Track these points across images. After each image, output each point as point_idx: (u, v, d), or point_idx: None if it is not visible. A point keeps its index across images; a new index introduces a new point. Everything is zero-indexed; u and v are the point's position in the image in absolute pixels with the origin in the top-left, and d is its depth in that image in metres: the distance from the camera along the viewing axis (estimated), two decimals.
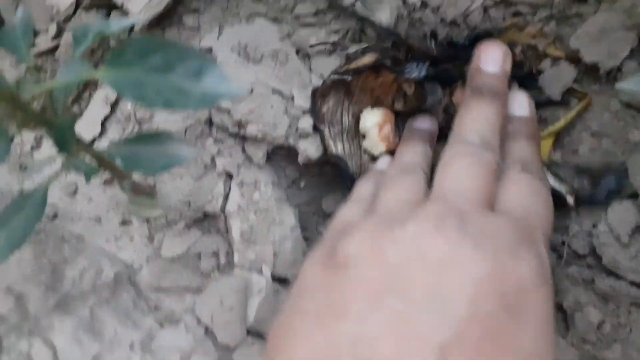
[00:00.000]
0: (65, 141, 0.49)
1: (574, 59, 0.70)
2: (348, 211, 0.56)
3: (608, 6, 0.67)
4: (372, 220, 0.46)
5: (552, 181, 0.65)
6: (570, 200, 0.64)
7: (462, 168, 0.49)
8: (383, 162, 0.67)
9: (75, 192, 0.73)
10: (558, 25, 0.72)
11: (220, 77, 0.44)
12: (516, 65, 0.64)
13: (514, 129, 0.61)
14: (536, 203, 0.50)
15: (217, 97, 0.43)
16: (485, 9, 0.73)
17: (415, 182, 0.53)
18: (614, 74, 0.69)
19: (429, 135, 0.66)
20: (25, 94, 0.44)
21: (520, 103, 0.64)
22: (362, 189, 0.61)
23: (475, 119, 0.55)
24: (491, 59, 0.61)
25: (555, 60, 0.71)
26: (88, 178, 0.55)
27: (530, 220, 0.47)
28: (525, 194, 0.50)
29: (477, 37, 0.67)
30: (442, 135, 0.70)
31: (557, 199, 0.65)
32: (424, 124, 0.68)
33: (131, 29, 0.74)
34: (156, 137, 0.51)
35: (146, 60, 0.43)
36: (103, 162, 0.58)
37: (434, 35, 0.70)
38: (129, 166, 0.51)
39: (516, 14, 0.72)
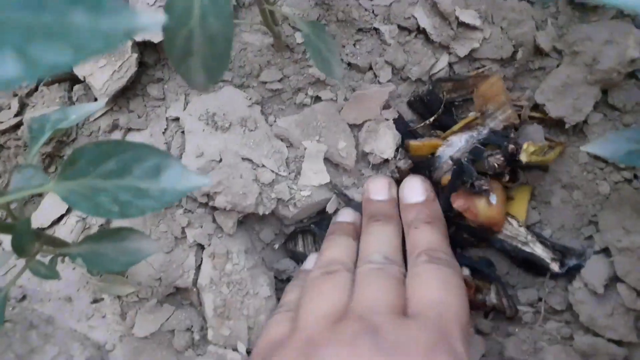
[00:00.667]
0: (24, 246, 0.48)
1: (542, 114, 0.70)
2: (274, 327, 0.57)
3: (570, 59, 0.67)
4: (293, 344, 0.48)
5: (539, 249, 0.65)
6: (554, 267, 0.64)
7: (371, 284, 0.52)
8: (310, 261, 0.69)
9: (23, 269, 0.71)
10: (523, 78, 0.73)
11: (180, 172, 0.43)
12: (514, 155, 0.65)
13: (413, 217, 0.63)
14: (448, 294, 0.51)
15: (178, 193, 0.43)
16: (450, 66, 0.73)
17: (337, 288, 0.54)
18: (580, 127, 0.69)
19: (353, 229, 0.67)
20: None
21: (414, 189, 0.67)
22: (289, 295, 0.64)
23: (376, 241, 0.60)
24: (379, 189, 0.68)
25: (530, 119, 0.71)
26: (48, 279, 0.54)
27: (444, 316, 0.48)
28: (435, 288, 0.51)
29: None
30: None
31: (541, 267, 0.66)
32: (347, 217, 0.69)
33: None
34: (117, 234, 0.50)
35: (100, 166, 0.43)
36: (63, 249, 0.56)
37: None
38: (92, 266, 0.50)
39: (480, 68, 0.72)
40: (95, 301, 0.70)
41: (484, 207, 0.64)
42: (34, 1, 0.22)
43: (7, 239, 0.73)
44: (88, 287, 0.70)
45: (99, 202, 0.42)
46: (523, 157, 0.63)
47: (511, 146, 0.63)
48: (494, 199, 0.64)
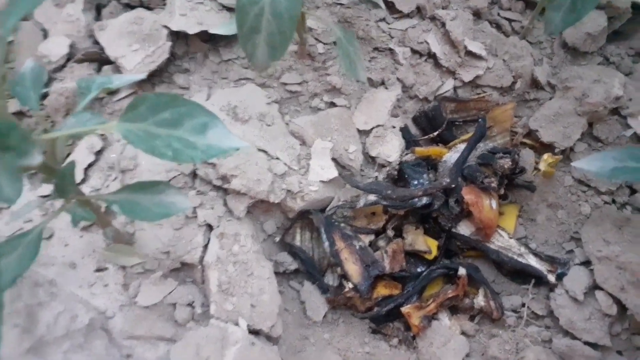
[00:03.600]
0: (65, 188, 0.50)
1: (534, 139, 0.78)
2: None
3: (562, 93, 0.76)
4: None
5: (533, 261, 0.71)
6: (551, 278, 0.69)
7: None
8: None
9: (51, 236, 0.73)
10: (519, 107, 0.81)
11: (224, 133, 0.48)
12: (515, 166, 0.72)
13: None
14: None
15: (221, 151, 0.47)
16: (455, 89, 0.81)
17: None
18: (567, 153, 0.77)
19: None
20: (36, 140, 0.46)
21: None
22: None
23: None
24: None
25: (522, 144, 0.79)
26: (76, 224, 0.57)
27: None
28: None
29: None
30: (422, 218, 0.77)
31: (537, 278, 0.71)
32: None
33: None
34: (154, 186, 0.54)
35: (157, 115, 0.47)
36: (93, 207, 0.59)
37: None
38: (127, 213, 0.52)
39: (481, 94, 0.80)
40: (99, 270, 0.71)
41: (488, 207, 0.70)
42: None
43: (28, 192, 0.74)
44: (93, 256, 0.72)
45: (154, 144, 0.46)
46: (542, 166, 0.70)
47: (516, 156, 0.70)
48: (494, 204, 0.70)
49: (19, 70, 0.82)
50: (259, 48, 0.51)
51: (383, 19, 0.82)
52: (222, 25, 0.72)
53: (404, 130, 0.79)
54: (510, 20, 0.82)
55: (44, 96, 0.80)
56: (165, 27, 0.78)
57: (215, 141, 0.48)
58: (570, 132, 0.74)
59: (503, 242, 0.73)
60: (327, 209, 0.79)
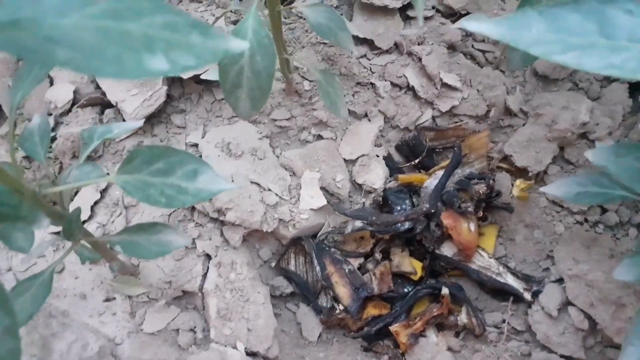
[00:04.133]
0: (73, 232, 0.56)
1: (510, 163, 0.83)
2: None
3: (533, 120, 0.81)
4: None
5: (511, 279, 0.76)
6: (527, 296, 0.74)
7: None
8: None
9: (62, 270, 0.79)
10: (494, 133, 0.86)
11: (213, 177, 0.53)
12: (490, 191, 0.77)
13: None
14: None
15: (210, 193, 0.53)
16: (434, 118, 0.86)
17: None
18: (541, 176, 0.82)
19: None
20: (45, 193, 0.52)
21: None
22: None
23: None
24: None
25: (498, 168, 0.84)
26: (84, 262, 0.62)
27: None
28: None
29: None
30: (407, 241, 0.82)
31: (514, 295, 0.76)
32: None
33: None
34: (152, 227, 0.59)
35: (151, 166, 0.53)
36: (99, 246, 0.65)
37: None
38: (128, 253, 0.58)
39: (458, 122, 0.85)
40: (107, 300, 0.77)
41: (466, 230, 0.75)
42: (169, 24, 0.33)
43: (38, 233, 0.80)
44: (102, 287, 0.78)
45: (149, 193, 0.52)
46: (515, 192, 0.75)
47: (491, 181, 0.75)
48: (472, 226, 0.75)
49: (29, 117, 0.89)
50: (241, 101, 0.57)
51: (364, 56, 0.88)
52: (212, 71, 0.79)
53: (387, 159, 0.84)
54: (483, 52, 0.87)
55: (52, 139, 0.86)
56: None
57: (205, 185, 0.53)
58: (542, 157, 0.78)
59: (483, 261, 0.78)
60: (318, 234, 0.84)
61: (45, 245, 0.66)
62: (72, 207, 0.76)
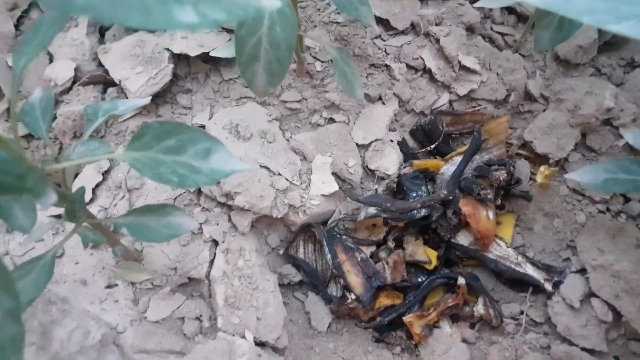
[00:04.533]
0: (76, 213, 0.53)
1: (529, 150, 0.80)
2: None
3: (555, 105, 0.78)
4: None
5: (531, 270, 0.73)
6: (548, 287, 0.71)
7: None
8: None
9: (62, 255, 0.75)
10: (513, 119, 0.83)
11: (226, 156, 0.50)
12: (510, 178, 0.74)
13: None
14: None
15: (224, 173, 0.50)
16: (450, 103, 0.83)
17: None
18: (562, 163, 0.79)
19: None
20: (48, 170, 0.48)
21: None
22: None
23: None
24: None
25: (517, 155, 0.81)
26: (86, 245, 0.59)
27: None
28: None
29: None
30: (422, 229, 0.79)
31: (534, 286, 0.73)
32: None
33: None
34: (161, 209, 0.56)
35: (162, 143, 0.49)
36: (102, 229, 0.62)
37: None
38: (136, 236, 0.55)
39: (476, 107, 0.82)
40: (109, 286, 0.74)
41: (485, 217, 0.72)
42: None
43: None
44: (103, 273, 0.74)
45: (160, 172, 0.48)
46: (539, 178, 0.72)
47: (512, 168, 0.72)
48: (491, 214, 0.72)
49: (27, 95, 0.85)
50: (257, 76, 0.53)
51: (379, 36, 0.84)
52: (222, 47, 0.75)
53: (402, 144, 0.81)
54: (503, 35, 0.84)
55: (52, 118, 0.83)
56: (167, 49, 0.80)
57: (218, 165, 0.50)
58: (564, 144, 0.75)
59: (501, 251, 0.75)
60: (329, 221, 0.81)
61: (45, 227, 0.63)
62: (73, 189, 0.73)
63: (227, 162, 0.50)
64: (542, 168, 0.73)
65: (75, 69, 0.84)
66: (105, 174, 0.80)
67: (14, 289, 0.35)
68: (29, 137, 0.84)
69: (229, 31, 0.82)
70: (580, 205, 0.76)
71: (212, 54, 0.76)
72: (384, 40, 0.85)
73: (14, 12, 0.86)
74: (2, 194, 0.32)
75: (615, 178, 0.62)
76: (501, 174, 0.73)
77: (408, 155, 0.81)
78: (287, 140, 0.81)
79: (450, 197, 0.73)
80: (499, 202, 0.76)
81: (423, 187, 0.78)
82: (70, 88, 0.85)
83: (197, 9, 0.29)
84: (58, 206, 0.56)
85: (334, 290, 0.81)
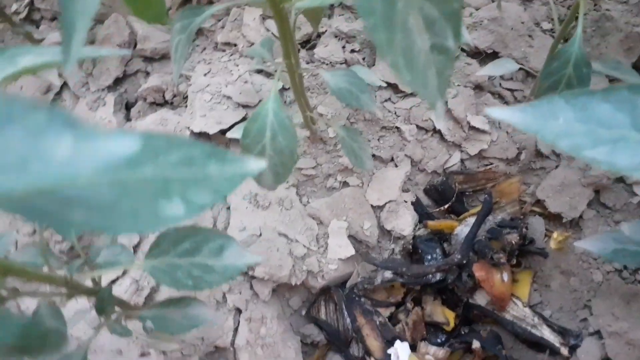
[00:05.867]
0: (105, 308, 0.57)
1: (543, 207, 0.80)
2: None
3: (566, 163, 0.78)
4: None
5: (547, 333, 0.74)
6: (564, 351, 0.71)
7: None
8: None
9: (99, 326, 0.81)
10: (526, 175, 0.83)
11: (238, 251, 0.54)
12: (522, 240, 0.75)
13: None
14: None
15: (237, 269, 0.53)
16: (462, 161, 0.84)
17: None
18: (576, 221, 0.79)
19: None
20: (76, 277, 0.53)
21: None
22: None
23: None
24: None
25: (531, 212, 0.81)
26: (122, 336, 0.64)
27: None
28: None
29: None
30: (439, 290, 0.80)
31: (551, 350, 0.74)
32: None
33: None
34: (181, 301, 0.60)
35: (178, 247, 0.53)
36: (131, 317, 0.66)
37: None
38: (160, 328, 0.59)
39: (488, 166, 0.83)
40: (142, 354, 0.79)
41: (498, 281, 0.73)
42: (185, 159, 0.33)
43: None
44: (137, 342, 0.79)
45: (176, 277, 0.53)
46: (552, 244, 0.73)
47: (523, 230, 0.73)
48: (505, 277, 0.73)
49: None
50: (264, 175, 0.57)
51: (388, 99, 0.87)
52: (237, 129, 0.79)
53: (416, 204, 0.83)
54: (512, 90, 0.85)
55: None
56: (188, 128, 0.85)
57: (232, 260, 0.54)
58: (576, 203, 0.76)
59: (518, 311, 0.76)
60: (348, 283, 0.84)
61: (80, 316, 0.68)
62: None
63: (240, 256, 0.54)
64: (555, 234, 0.73)
65: None
66: (136, 247, 0.85)
67: None
68: None
69: (245, 106, 0.86)
70: (596, 263, 0.76)
71: (227, 135, 0.80)
72: (394, 103, 0.87)
73: (48, 95, 0.93)
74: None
75: (624, 249, 0.63)
76: (513, 238, 0.74)
77: (423, 214, 0.83)
78: (304, 205, 0.84)
79: (465, 261, 0.75)
80: (514, 262, 0.76)
81: (438, 250, 0.79)
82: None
83: (184, 197, 0.32)
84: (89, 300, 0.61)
85: (355, 350, 0.83)
